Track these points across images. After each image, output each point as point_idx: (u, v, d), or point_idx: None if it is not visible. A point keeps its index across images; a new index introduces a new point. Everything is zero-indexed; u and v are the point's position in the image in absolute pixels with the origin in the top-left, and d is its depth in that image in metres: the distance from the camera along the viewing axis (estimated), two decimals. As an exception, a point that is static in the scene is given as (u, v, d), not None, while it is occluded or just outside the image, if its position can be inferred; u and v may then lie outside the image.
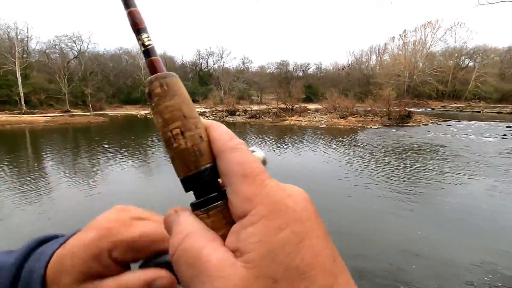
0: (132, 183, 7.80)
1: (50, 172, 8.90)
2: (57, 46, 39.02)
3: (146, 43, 0.25)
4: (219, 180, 0.24)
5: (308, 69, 58.79)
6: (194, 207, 0.23)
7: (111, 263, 0.27)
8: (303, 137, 16.10)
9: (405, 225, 5.18)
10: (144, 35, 0.25)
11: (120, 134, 18.27)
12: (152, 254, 0.29)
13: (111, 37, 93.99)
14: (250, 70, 54.95)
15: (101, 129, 21.00)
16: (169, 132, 0.23)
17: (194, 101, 45.03)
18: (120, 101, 42.55)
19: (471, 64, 48.20)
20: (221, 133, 0.24)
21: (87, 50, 41.21)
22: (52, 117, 27.09)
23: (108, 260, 0.27)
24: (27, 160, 10.56)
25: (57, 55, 38.81)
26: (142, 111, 36.39)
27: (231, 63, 75.15)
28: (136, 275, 0.27)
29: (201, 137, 0.24)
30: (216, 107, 30.75)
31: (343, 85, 46.64)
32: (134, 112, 36.37)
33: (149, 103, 0.25)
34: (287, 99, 27.69)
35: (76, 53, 39.84)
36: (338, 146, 12.83)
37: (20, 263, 0.28)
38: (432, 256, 4.16)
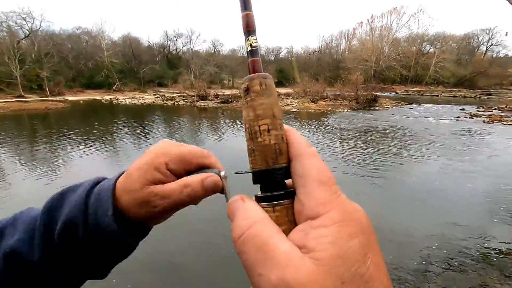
0: (99, 172, 7.44)
1: (3, 164, 8.21)
2: (4, 24, 34.99)
3: (253, 45, 0.27)
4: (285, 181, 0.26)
5: (280, 53, 58.68)
6: (261, 200, 0.25)
7: (169, 173, 0.35)
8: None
9: (366, 202, 5.53)
10: (253, 37, 0.27)
11: (84, 121, 17.17)
12: (198, 167, 0.37)
13: (68, 15, 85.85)
14: (221, 53, 53.61)
15: (61, 116, 19.56)
16: (257, 126, 0.26)
17: (163, 85, 43.23)
18: (82, 85, 39.63)
19: (431, 50, 50.94)
20: (299, 138, 0.26)
21: (40, 29, 37.48)
22: (4, 103, 24.68)
23: (166, 170, 0.35)
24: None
25: (5, 33, 34.83)
26: (106, 96, 34.33)
27: (201, 46, 72.67)
28: (192, 176, 0.36)
29: (282, 137, 0.26)
30: (186, 91, 29.86)
31: (314, 70, 47.30)
32: (97, 97, 34.18)
33: (243, 97, 0.28)
34: (259, 84, 27.57)
35: (28, 32, 36.07)
36: (308, 130, 13.16)
37: (92, 185, 0.37)
38: (390, 230, 4.51)
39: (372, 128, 13.68)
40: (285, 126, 0.27)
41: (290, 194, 0.24)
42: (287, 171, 0.25)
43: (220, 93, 28.51)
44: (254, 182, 0.26)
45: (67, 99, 31.90)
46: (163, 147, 0.37)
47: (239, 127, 14.34)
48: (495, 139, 11.28)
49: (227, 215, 0.25)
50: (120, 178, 0.37)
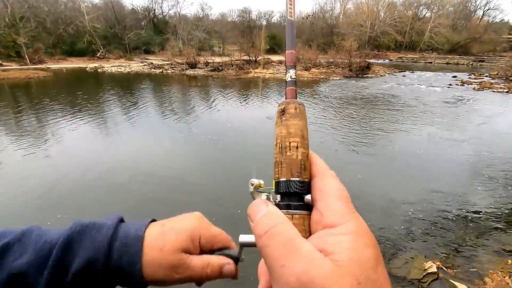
0: (89, 144, 7.31)
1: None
2: (-30, -17, 31.95)
3: (293, 77, 0.33)
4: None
5: (272, 17, 56.04)
6: (281, 207, 0.28)
7: (198, 247, 0.38)
8: (267, 90, 16.00)
9: (353, 169, 5.65)
10: (292, 71, 0.33)
11: (68, 90, 16.50)
12: (220, 249, 0.40)
13: (41, -27, 78.24)
14: (210, 17, 50.91)
15: (44, 85, 18.74)
16: (288, 142, 0.30)
17: (150, 52, 41.32)
18: (63, 53, 37.55)
19: (428, 14, 49.42)
20: (322, 160, 0.31)
21: (12, -10, 34.40)
22: (-20, 72, 23.35)
23: (198, 243, 0.38)
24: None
25: (-27, -6, 31.98)
26: (91, 64, 32.81)
27: (189, 10, 68.79)
28: (215, 257, 0.39)
29: (307, 156, 0.30)
30: (175, 59, 28.68)
31: (307, 36, 45.67)
32: (81, 65, 32.63)
33: (278, 116, 0.32)
34: (250, 50, 26.62)
35: (-2, -7, 33.16)
36: (301, 98, 12.92)
37: (116, 227, 0.37)
38: (375, 195, 4.67)
39: (364, 96, 13.62)
40: (310, 151, 0.31)
41: (308, 206, 0.27)
42: (308, 187, 0.28)
43: (210, 61, 27.55)
44: (277, 192, 0.29)
45: (49, 67, 30.35)
46: (200, 222, 0.40)
47: (229, 96, 14.07)
48: (483, 106, 11.43)
49: (248, 215, 0.27)
50: (151, 230, 0.38)
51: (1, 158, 6.22)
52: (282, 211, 0.27)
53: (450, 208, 4.32)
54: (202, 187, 4.98)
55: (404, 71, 24.94)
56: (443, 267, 3.14)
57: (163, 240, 0.36)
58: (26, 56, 32.04)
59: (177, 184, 5.09)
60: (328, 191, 0.27)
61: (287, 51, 0.34)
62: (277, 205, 0.28)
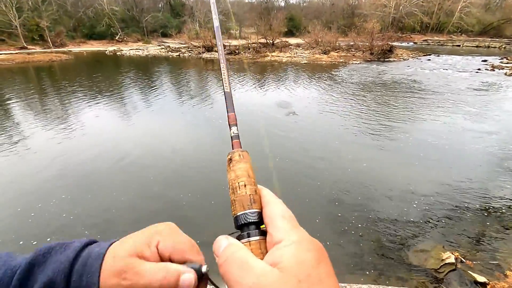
0: (107, 125, 7.54)
1: (16, 116, 8.35)
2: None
3: (235, 132, 0.41)
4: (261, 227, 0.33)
5: (291, -2, 54.00)
6: (240, 237, 0.33)
7: (156, 253, 0.34)
8: (284, 74, 15.71)
9: (373, 158, 5.54)
10: (234, 128, 0.42)
11: (89, 73, 16.90)
12: (183, 261, 0.35)
13: (61, -45, 78.55)
14: (228, -1, 49.70)
15: (66, 68, 19.28)
16: (237, 183, 0.35)
17: (167, 35, 41.16)
18: (84, 36, 38.23)
19: (459, -7, 46.04)
20: (269, 192, 0.36)
21: (34, -28, 34.89)
22: (8, 55, 24.29)
23: (155, 249, 0.34)
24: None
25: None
26: (110, 47, 33.27)
27: (206, -10, 67.27)
28: (173, 265, 0.34)
29: (256, 191, 0.35)
30: (191, 42, 28.55)
31: (327, 17, 43.95)
32: (101, 48, 33.19)
33: (228, 164, 0.38)
34: (267, 33, 26.01)
35: (21, -24, 33.73)
36: (317, 84, 12.72)
37: (81, 248, 0.35)
38: (395, 182, 4.58)
39: (384, 81, 13.10)
40: (259, 185, 0.36)
41: (263, 232, 0.32)
42: (259, 215, 0.33)
43: (226, 44, 27.21)
44: (236, 226, 0.34)
45: (70, 50, 31.10)
46: (162, 228, 0.36)
47: (246, 80, 13.94)
48: (515, 93, 10.72)
49: (213, 251, 0.32)
50: (114, 244, 0.35)
51: (31, 138, 6.55)
52: (242, 240, 0.32)
53: (471, 200, 4.17)
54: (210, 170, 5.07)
55: (429, 54, 23.68)
56: (462, 258, 3.08)
57: (119, 247, 0.34)
58: (49, 39, 32.88)
59: (189, 168, 5.18)
60: (275, 215, 0.32)
61: (228, 114, 0.43)
62: (240, 236, 0.33)
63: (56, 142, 6.35)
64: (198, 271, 0.34)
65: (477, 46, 31.77)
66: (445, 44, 35.44)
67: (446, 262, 3.01)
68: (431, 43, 36.77)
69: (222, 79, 0.48)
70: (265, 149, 5.84)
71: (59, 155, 5.64)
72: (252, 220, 0.33)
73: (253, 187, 0.35)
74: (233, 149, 0.40)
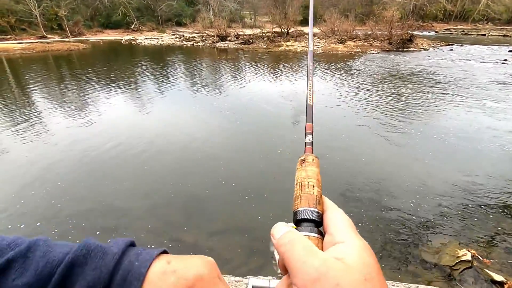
0: (124, 115, 7.70)
1: (39, 105, 8.65)
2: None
3: (310, 139, 0.46)
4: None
5: (307, -15, 52.49)
6: (300, 230, 0.33)
7: None
8: (298, 65, 15.45)
9: (392, 152, 5.42)
10: (309, 136, 0.46)
11: (105, 62, 17.19)
12: None
13: None
14: (242, -14, 48.89)
15: (84, 57, 19.68)
16: (307, 182, 0.37)
17: (181, 24, 41.17)
18: (100, 25, 38.80)
19: (487, -22, 43.37)
20: (330, 201, 0.36)
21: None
22: (28, 44, 25.00)
23: None
24: (12, 92, 10.13)
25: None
26: (126, 36, 33.62)
27: (220, -22, 66.32)
28: None
29: (321, 195, 0.36)
30: (205, 31, 28.41)
31: (344, 5, 42.56)
32: (117, 38, 33.59)
33: (300, 164, 0.40)
34: (282, 22, 25.52)
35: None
36: (332, 75, 12.44)
37: (120, 257, 0.35)
38: (408, 177, 4.47)
39: (402, 73, 12.66)
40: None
41: (320, 233, 0.33)
42: (320, 217, 0.34)
43: (241, 33, 26.95)
44: (294, 220, 0.35)
45: (87, 39, 31.66)
46: (208, 273, 0.35)
47: (260, 70, 13.82)
48: (544, 86, 10.13)
49: (271, 234, 0.33)
50: (154, 267, 0.34)
51: (50, 125, 6.79)
52: (303, 233, 0.32)
53: (490, 198, 4.03)
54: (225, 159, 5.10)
55: (452, 44, 22.62)
56: (479, 256, 3.00)
57: (161, 282, 0.34)
58: (67, 29, 33.54)
59: (203, 157, 5.24)
60: (337, 218, 0.33)
61: (306, 123, 0.48)
62: (298, 229, 0.33)
63: (73, 129, 6.55)
64: None
65: (504, 35, 30.01)
66: (470, 33, 33.70)
67: (462, 259, 2.94)
68: (454, 32, 35.07)
69: (307, 93, 0.53)
70: (274, 139, 5.81)
71: (76, 141, 5.82)
72: (314, 218, 0.33)
73: (320, 190, 0.37)
74: (305, 152, 0.43)
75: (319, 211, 0.34)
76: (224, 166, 4.90)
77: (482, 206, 3.83)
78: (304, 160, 0.41)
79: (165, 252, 0.37)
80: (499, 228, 3.45)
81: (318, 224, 0.34)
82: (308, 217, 0.33)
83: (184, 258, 0.36)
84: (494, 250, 3.12)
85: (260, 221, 3.54)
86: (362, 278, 0.25)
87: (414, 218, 3.62)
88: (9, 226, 3.52)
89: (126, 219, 3.65)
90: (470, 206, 3.84)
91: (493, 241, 3.25)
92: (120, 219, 3.63)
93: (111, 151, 5.44)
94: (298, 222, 0.34)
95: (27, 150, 5.53)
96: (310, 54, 0.60)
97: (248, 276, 1.91)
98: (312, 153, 0.43)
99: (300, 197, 0.36)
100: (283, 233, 0.31)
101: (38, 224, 3.57)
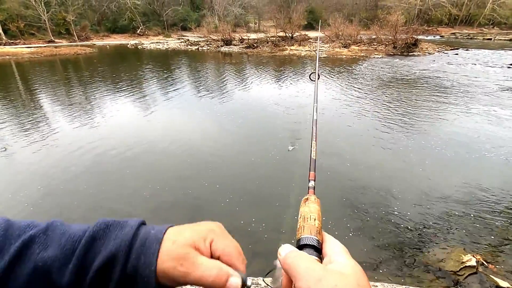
0: (130, 117, 7.77)
1: (45, 106, 8.78)
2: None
3: (312, 185, 0.54)
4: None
5: (312, -11, 52.72)
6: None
7: (209, 249, 0.38)
8: (302, 69, 15.49)
9: (396, 157, 5.38)
10: (312, 182, 0.54)
11: (111, 66, 17.42)
12: (229, 265, 0.38)
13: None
14: (247, -9, 49.32)
15: (91, 61, 19.95)
16: (309, 215, 0.43)
17: (187, 29, 41.55)
18: (107, 29, 39.38)
19: (492, -17, 43.16)
20: (328, 234, 0.41)
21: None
22: (37, 48, 25.45)
23: (209, 246, 0.38)
24: (20, 96, 10.30)
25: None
26: (132, 41, 34.06)
27: (226, -17, 67.02)
28: (225, 266, 0.37)
29: (321, 228, 0.42)
30: (210, 35, 28.68)
31: (349, 10, 42.71)
32: (123, 42, 34.06)
33: (304, 201, 0.48)
34: (286, 26, 25.65)
35: (49, -28, 35.03)
36: (336, 79, 12.44)
37: (137, 228, 0.38)
38: (411, 181, 4.43)
39: (406, 77, 12.61)
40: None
41: (319, 257, 0.38)
42: (320, 245, 0.39)
43: (245, 37, 27.12)
44: (298, 245, 0.39)
45: (94, 44, 32.12)
46: (216, 227, 0.40)
47: (264, 75, 13.87)
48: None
49: (278, 252, 0.37)
50: (169, 232, 0.38)
51: (55, 127, 6.88)
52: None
53: (497, 204, 3.97)
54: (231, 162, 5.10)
55: (457, 48, 22.49)
56: (484, 262, 2.95)
57: (177, 235, 0.37)
58: (75, 33, 34.08)
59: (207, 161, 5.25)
60: (335, 245, 0.38)
61: (310, 172, 0.57)
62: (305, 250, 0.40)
63: (77, 131, 6.62)
64: (243, 280, 0.36)
65: (510, 40, 29.79)
66: (475, 37, 33.51)
67: (467, 264, 2.90)
68: (459, 37, 34.89)
69: (311, 150, 0.65)
70: (276, 141, 5.82)
71: (80, 142, 5.89)
72: (315, 244, 0.38)
73: (320, 223, 0.42)
74: (308, 194, 0.51)
75: (319, 240, 0.39)
76: (227, 169, 4.91)
77: (488, 213, 3.78)
78: (307, 199, 0.48)
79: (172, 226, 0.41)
80: (505, 234, 3.39)
81: (318, 250, 0.38)
82: (310, 243, 0.38)
83: (194, 223, 0.41)
84: (500, 256, 3.07)
85: (262, 225, 3.54)
86: (356, 284, 0.30)
87: (418, 223, 3.58)
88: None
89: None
90: (476, 212, 3.79)
91: (499, 247, 3.20)
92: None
93: (114, 153, 5.49)
94: (301, 247, 0.38)
95: (30, 151, 5.61)
96: (315, 120, 0.74)
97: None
98: (314, 194, 0.50)
99: (303, 227, 0.41)
100: (289, 251, 0.36)
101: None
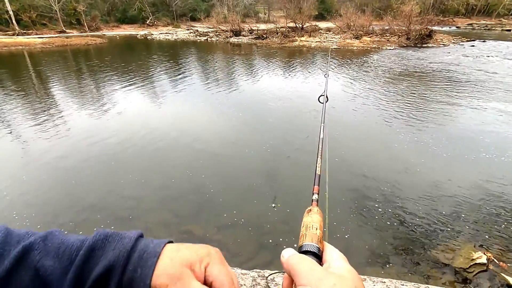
0: (140, 108, 7.83)
1: (57, 96, 8.91)
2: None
3: (316, 198, 0.56)
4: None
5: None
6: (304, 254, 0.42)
7: (203, 274, 0.37)
8: (312, 60, 15.24)
9: (408, 151, 5.28)
10: (316, 195, 0.56)
11: (121, 56, 17.51)
12: None
13: None
14: (257, -19, 48.47)
15: (101, 51, 20.09)
16: (312, 225, 0.46)
17: (196, 19, 41.26)
18: (117, 20, 39.47)
19: (514, -30, 41.21)
20: (331, 246, 0.43)
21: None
22: (49, 38, 25.74)
23: (203, 270, 0.38)
24: (33, 85, 10.48)
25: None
26: (141, 31, 34.10)
27: (235, -28, 65.97)
28: None
29: (322, 237, 0.45)
30: (219, 26, 28.44)
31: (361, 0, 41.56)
32: (133, 32, 34.11)
33: (307, 212, 0.50)
34: (297, 16, 25.18)
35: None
36: (346, 72, 12.20)
37: (136, 240, 0.39)
38: (422, 175, 4.35)
39: (419, 69, 12.27)
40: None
41: (320, 263, 0.40)
42: (320, 252, 0.42)
43: (254, 28, 26.79)
44: (299, 252, 0.42)
45: (104, 34, 32.30)
46: (213, 252, 0.40)
47: (273, 66, 13.72)
48: None
49: (281, 255, 0.40)
50: (167, 248, 0.38)
51: (66, 117, 6.99)
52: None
53: (509, 202, 3.87)
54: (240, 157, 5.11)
55: (474, 40, 21.72)
56: (495, 259, 2.89)
57: (175, 252, 0.38)
58: (85, 24, 34.29)
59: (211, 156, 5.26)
60: (334, 254, 0.40)
61: (314, 186, 0.59)
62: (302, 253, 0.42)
63: (87, 120, 6.72)
64: None
65: (531, 31, 28.58)
66: (493, 28, 32.25)
67: (477, 262, 2.85)
68: (476, 28, 33.65)
69: (316, 166, 0.66)
70: (287, 136, 5.77)
71: (90, 132, 5.98)
72: (315, 251, 0.41)
73: (321, 233, 0.45)
74: (311, 205, 0.54)
75: (320, 248, 0.42)
76: (236, 162, 4.91)
77: (501, 211, 3.69)
78: (310, 210, 0.51)
79: (171, 242, 0.41)
80: (517, 232, 3.31)
81: (318, 257, 0.41)
82: (311, 250, 0.41)
83: (192, 244, 0.41)
84: (511, 253, 3.01)
85: (269, 218, 3.54)
86: (353, 285, 0.33)
87: (427, 217, 3.52)
88: (24, 215, 3.67)
89: (138, 210, 3.73)
90: (488, 209, 3.70)
91: (511, 245, 3.13)
92: (134, 210, 3.71)
93: (124, 143, 5.55)
94: (303, 253, 0.41)
95: (43, 140, 5.73)
96: (321, 139, 0.77)
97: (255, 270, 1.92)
98: (317, 206, 0.53)
99: (305, 235, 0.44)
100: (292, 254, 0.39)
101: (49, 218, 3.70)
